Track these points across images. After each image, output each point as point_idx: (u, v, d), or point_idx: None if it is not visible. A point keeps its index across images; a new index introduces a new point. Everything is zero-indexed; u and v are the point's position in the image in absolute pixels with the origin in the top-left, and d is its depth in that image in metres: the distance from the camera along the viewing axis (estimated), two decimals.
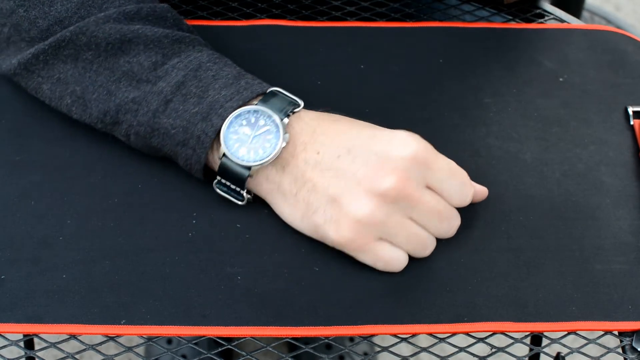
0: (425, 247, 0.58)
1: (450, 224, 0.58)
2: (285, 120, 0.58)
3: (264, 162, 0.57)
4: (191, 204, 0.61)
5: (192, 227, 0.60)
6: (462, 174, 0.58)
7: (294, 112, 0.59)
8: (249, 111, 0.58)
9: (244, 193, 0.59)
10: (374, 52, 0.72)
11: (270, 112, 0.58)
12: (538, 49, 0.73)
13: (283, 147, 0.57)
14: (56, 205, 0.60)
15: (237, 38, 0.71)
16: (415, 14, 0.76)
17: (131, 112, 0.59)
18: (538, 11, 0.77)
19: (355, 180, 0.56)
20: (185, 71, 0.59)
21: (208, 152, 0.58)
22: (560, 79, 0.70)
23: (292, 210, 0.58)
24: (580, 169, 0.64)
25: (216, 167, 0.59)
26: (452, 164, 0.58)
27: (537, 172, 0.64)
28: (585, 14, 1.39)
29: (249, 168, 0.58)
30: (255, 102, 0.59)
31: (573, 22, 0.76)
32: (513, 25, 0.75)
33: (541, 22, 0.76)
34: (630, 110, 0.68)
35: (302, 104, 0.60)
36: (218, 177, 0.59)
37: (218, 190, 0.60)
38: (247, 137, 0.58)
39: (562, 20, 0.77)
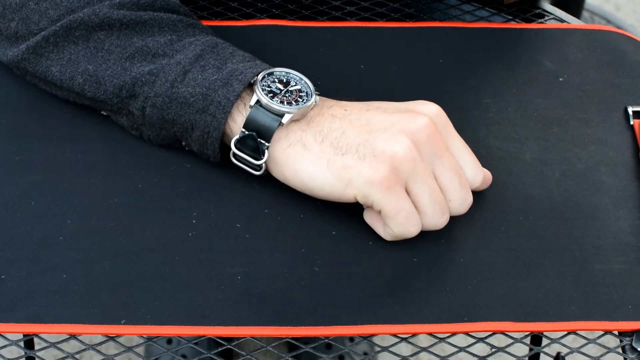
0: (443, 211, 0.58)
1: (467, 194, 0.59)
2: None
3: (298, 112, 0.58)
4: (191, 203, 0.61)
5: (192, 227, 0.60)
6: (473, 155, 0.60)
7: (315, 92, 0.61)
8: (281, 71, 0.60)
9: (266, 151, 0.58)
10: (374, 52, 0.72)
11: (301, 76, 0.61)
12: (538, 49, 0.73)
13: (313, 104, 0.59)
14: (56, 205, 0.60)
15: (237, 38, 0.71)
16: (415, 14, 0.76)
17: (148, 84, 0.59)
18: (538, 11, 0.77)
19: (389, 122, 0.57)
20: (203, 46, 0.60)
21: (228, 119, 0.59)
22: (560, 79, 0.70)
23: (315, 159, 0.57)
24: (580, 169, 0.64)
25: (237, 125, 0.59)
26: (462, 140, 0.60)
27: (537, 172, 0.64)
28: (585, 14, 1.39)
29: (281, 116, 0.58)
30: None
31: (573, 22, 0.76)
32: (513, 25, 0.75)
33: (541, 22, 0.76)
34: (630, 110, 0.68)
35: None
36: (242, 132, 0.58)
37: (236, 153, 0.59)
38: (280, 91, 0.59)
39: (562, 20, 0.77)
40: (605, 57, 0.72)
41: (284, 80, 0.60)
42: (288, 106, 0.58)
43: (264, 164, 0.59)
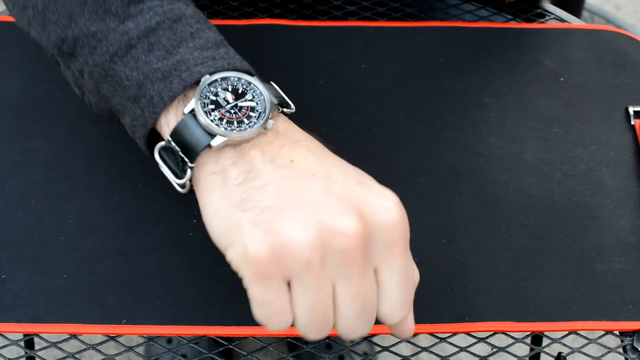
0: (321, 330, 0.46)
1: (361, 327, 0.46)
2: (273, 109, 0.49)
3: (235, 137, 0.47)
4: (192, 203, 0.61)
5: (192, 227, 0.60)
6: (412, 289, 0.47)
7: (283, 110, 0.50)
8: (239, 79, 0.49)
9: (189, 170, 0.48)
10: (375, 51, 0.72)
11: (262, 89, 0.49)
12: (539, 49, 0.73)
13: (262, 133, 0.48)
14: (56, 205, 0.60)
15: (238, 37, 0.71)
16: (416, 13, 0.76)
17: (89, 47, 0.51)
18: (539, 11, 0.77)
19: (316, 205, 0.45)
20: (161, 17, 0.51)
21: (162, 116, 0.49)
22: (561, 79, 0.70)
23: (222, 198, 0.46)
24: (581, 169, 0.64)
25: (169, 128, 0.49)
26: (414, 271, 0.48)
27: (538, 172, 0.64)
28: (585, 13, 1.39)
29: (212, 136, 0.47)
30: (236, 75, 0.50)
31: (574, 22, 0.76)
32: (514, 25, 0.75)
33: (542, 22, 0.76)
34: (631, 110, 0.68)
35: (294, 108, 0.51)
36: (168, 139, 0.48)
37: (158, 159, 0.49)
38: (226, 104, 0.48)
39: (562, 20, 0.77)
40: (606, 57, 0.72)
41: (239, 91, 0.49)
42: (226, 126, 0.47)
43: (187, 183, 0.48)
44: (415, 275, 0.48)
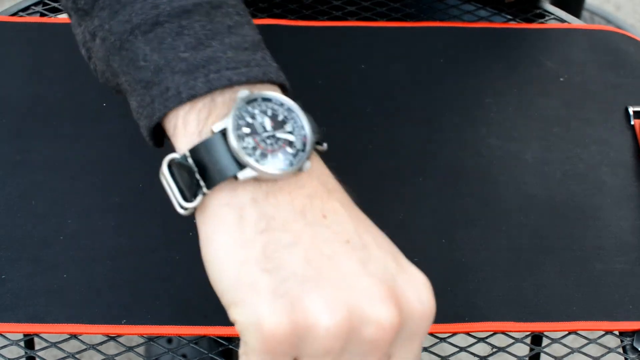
0: None
1: None
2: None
3: (268, 173, 0.41)
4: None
5: (192, 227, 0.59)
6: None
7: (318, 148, 0.44)
8: (282, 104, 0.42)
9: (201, 197, 0.41)
10: (375, 51, 0.72)
11: (304, 122, 0.42)
12: (539, 49, 0.73)
13: (294, 174, 0.41)
14: (57, 205, 0.60)
15: None
16: (415, 13, 0.76)
17: (110, 10, 0.44)
18: (538, 11, 0.77)
19: (350, 284, 0.39)
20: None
21: (179, 117, 0.42)
22: (561, 79, 0.70)
23: (236, 242, 0.40)
24: (581, 169, 0.64)
25: (187, 138, 0.42)
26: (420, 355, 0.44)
27: (538, 172, 0.64)
28: (585, 13, 1.39)
29: (241, 167, 0.41)
30: (268, 92, 0.43)
31: (573, 22, 0.76)
32: (514, 25, 0.75)
33: (542, 22, 0.76)
34: (631, 110, 0.68)
35: (326, 147, 0.44)
36: (183, 156, 0.42)
37: (166, 173, 0.42)
38: (263, 131, 0.41)
39: (562, 20, 0.77)
40: (606, 57, 0.72)
41: (279, 118, 0.42)
42: (259, 157, 0.40)
43: (190, 207, 0.42)
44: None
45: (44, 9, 0.74)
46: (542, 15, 0.77)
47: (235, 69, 0.42)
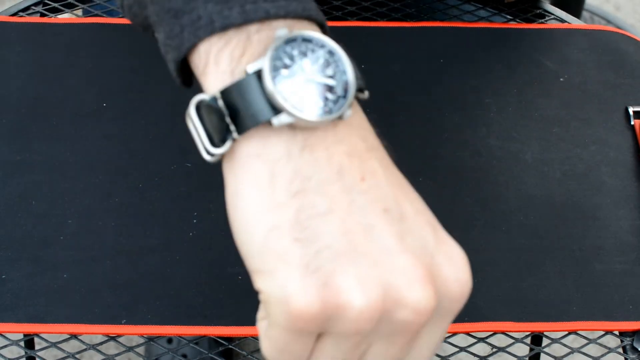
0: None
1: None
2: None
3: (305, 119, 0.37)
4: (192, 203, 0.61)
5: (192, 227, 0.60)
6: (438, 350, 0.42)
7: (359, 96, 0.40)
8: (323, 45, 0.39)
9: (230, 142, 0.38)
10: (375, 52, 0.72)
11: (347, 66, 0.39)
12: (538, 49, 0.73)
13: (335, 122, 0.38)
14: (57, 205, 0.60)
15: None
16: (415, 13, 0.76)
17: None
18: (538, 11, 0.77)
19: (386, 262, 0.37)
20: None
21: (210, 53, 0.39)
22: (561, 79, 0.70)
23: (269, 202, 0.37)
24: (581, 169, 0.64)
25: (218, 74, 0.39)
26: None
27: (537, 172, 0.64)
28: (584, 14, 1.39)
29: (277, 112, 0.37)
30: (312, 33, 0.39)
31: (573, 22, 0.76)
32: (513, 25, 0.75)
33: (541, 22, 0.76)
34: (631, 110, 0.68)
35: (367, 94, 0.41)
36: (212, 98, 0.38)
37: (194, 115, 0.39)
38: (303, 75, 0.38)
39: (562, 20, 0.77)
40: (606, 57, 0.72)
41: (320, 61, 0.38)
42: (296, 103, 0.37)
43: (217, 154, 0.39)
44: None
45: (44, 9, 0.74)
46: (542, 15, 0.77)
47: (273, 2, 0.39)
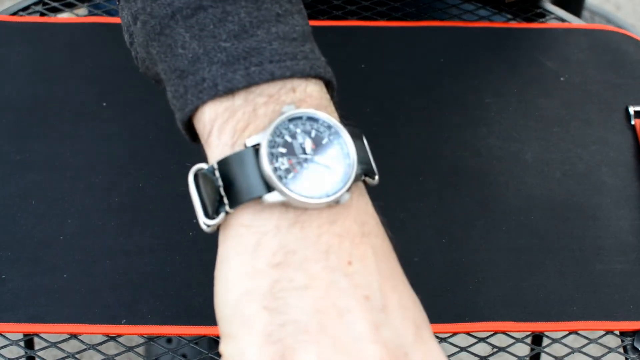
0: None
1: None
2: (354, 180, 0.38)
3: (297, 201, 0.37)
4: (192, 204, 0.61)
5: (193, 227, 0.60)
6: None
7: (365, 180, 0.40)
8: (329, 126, 0.38)
9: (223, 214, 0.38)
10: (375, 51, 0.71)
11: (350, 149, 0.38)
12: (539, 49, 0.72)
13: (331, 206, 0.37)
14: (57, 205, 0.60)
15: None
16: (415, 13, 0.76)
17: None
18: (539, 11, 0.77)
19: (357, 349, 0.35)
20: None
21: (206, 107, 0.39)
22: (561, 79, 0.70)
23: (246, 270, 0.37)
24: (581, 169, 0.64)
25: (218, 148, 0.39)
26: None
27: (538, 172, 0.64)
28: (585, 13, 1.39)
29: (269, 189, 0.37)
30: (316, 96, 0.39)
31: (574, 21, 0.76)
32: (514, 24, 0.75)
33: (542, 22, 0.76)
34: (631, 110, 0.68)
35: (377, 180, 0.41)
36: (210, 168, 0.39)
37: (192, 183, 0.40)
38: (302, 153, 0.38)
39: (563, 20, 0.76)
40: (607, 56, 0.72)
41: (323, 141, 0.38)
42: (290, 182, 0.37)
43: (211, 225, 0.39)
44: None
45: (44, 9, 0.74)
46: (543, 14, 0.77)
47: (279, 62, 0.38)
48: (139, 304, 0.55)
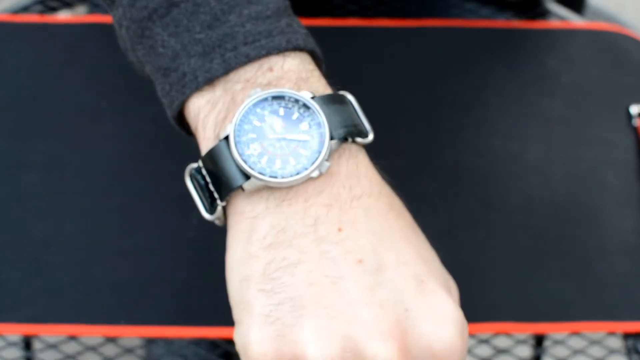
0: None
1: None
2: (336, 145, 0.39)
3: (273, 183, 0.37)
4: (192, 204, 0.60)
5: (192, 227, 0.59)
6: None
7: (355, 141, 0.40)
8: (296, 100, 0.39)
9: (219, 208, 0.39)
10: (376, 50, 0.71)
11: (322, 119, 0.38)
12: (541, 48, 0.72)
13: (311, 178, 0.38)
14: (56, 205, 0.60)
15: None
16: (417, 12, 0.76)
17: None
18: (541, 10, 0.77)
19: (348, 315, 0.36)
20: None
21: (190, 102, 0.40)
22: (563, 79, 0.70)
23: (243, 256, 0.38)
24: (584, 169, 0.64)
25: (204, 142, 0.40)
26: None
27: (540, 172, 0.64)
28: (588, 12, 1.39)
29: (247, 177, 0.38)
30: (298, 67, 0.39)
31: (576, 21, 0.76)
32: (516, 24, 0.75)
33: (544, 21, 0.76)
34: (633, 110, 0.68)
35: (372, 135, 0.41)
36: (197, 167, 0.40)
37: (189, 184, 0.41)
38: (272, 134, 0.38)
39: (565, 19, 0.76)
40: (609, 56, 0.72)
41: (293, 116, 0.38)
42: (265, 165, 0.37)
43: (220, 218, 0.40)
44: None
45: (44, 9, 0.74)
46: (545, 14, 0.77)
47: (253, 43, 0.39)
48: (139, 305, 0.55)
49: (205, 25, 0.39)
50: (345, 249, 0.37)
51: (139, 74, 0.46)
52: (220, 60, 0.39)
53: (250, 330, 0.36)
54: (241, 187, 0.38)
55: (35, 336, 0.55)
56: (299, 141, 0.38)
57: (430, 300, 0.37)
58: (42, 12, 0.74)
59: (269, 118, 0.38)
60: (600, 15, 1.39)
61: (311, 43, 0.42)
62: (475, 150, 0.65)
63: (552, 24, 0.75)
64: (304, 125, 0.38)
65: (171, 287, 0.56)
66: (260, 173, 0.37)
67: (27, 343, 0.57)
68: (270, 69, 0.39)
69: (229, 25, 0.39)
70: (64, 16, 0.74)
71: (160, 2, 0.40)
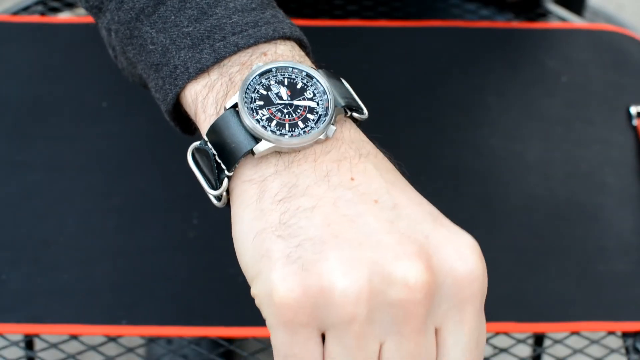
0: None
1: None
2: (339, 113, 0.40)
3: (285, 143, 0.38)
4: (192, 204, 0.61)
5: (193, 228, 0.59)
6: (481, 357, 0.38)
7: (353, 115, 0.41)
8: (299, 70, 0.40)
9: (226, 180, 0.39)
10: (376, 51, 0.71)
11: (326, 86, 0.40)
12: (541, 49, 0.72)
13: (318, 141, 0.39)
14: (57, 205, 0.60)
15: None
16: (417, 13, 0.76)
17: (115, 1, 0.43)
18: (541, 10, 0.77)
19: (372, 243, 0.36)
20: None
21: (186, 90, 0.41)
22: (563, 79, 0.70)
23: (256, 215, 0.37)
24: (584, 169, 0.64)
25: (206, 121, 0.40)
26: (485, 336, 0.38)
27: (540, 172, 0.64)
28: (587, 13, 1.39)
29: (257, 140, 0.38)
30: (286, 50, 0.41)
31: (576, 21, 0.76)
32: (516, 24, 0.75)
33: (544, 22, 0.76)
34: (633, 110, 0.68)
35: (367, 114, 0.42)
36: (204, 139, 0.40)
37: (191, 163, 0.41)
38: (279, 101, 0.39)
39: (565, 20, 0.76)
40: (609, 57, 0.72)
41: (297, 85, 0.40)
42: (275, 129, 0.38)
43: (224, 195, 0.40)
44: (484, 335, 0.38)
45: (44, 9, 0.74)
46: (545, 14, 0.77)
47: (241, 32, 0.40)
48: (140, 305, 0.55)
49: (192, 19, 0.41)
50: (360, 192, 0.37)
51: (130, 80, 0.47)
52: (210, 50, 0.40)
53: (271, 273, 0.36)
54: (251, 152, 0.38)
55: (37, 335, 0.55)
56: (306, 107, 0.39)
57: (448, 230, 0.38)
58: (42, 13, 0.74)
59: (275, 87, 0.39)
60: (600, 15, 1.39)
61: (297, 32, 0.43)
62: (475, 150, 0.65)
63: (552, 24, 0.75)
64: (309, 93, 0.40)
65: (172, 286, 0.56)
66: (275, 135, 0.38)
67: (28, 342, 0.57)
68: (264, 54, 0.41)
69: (216, 17, 0.41)
70: (64, 16, 0.74)
71: (147, 2, 0.42)
